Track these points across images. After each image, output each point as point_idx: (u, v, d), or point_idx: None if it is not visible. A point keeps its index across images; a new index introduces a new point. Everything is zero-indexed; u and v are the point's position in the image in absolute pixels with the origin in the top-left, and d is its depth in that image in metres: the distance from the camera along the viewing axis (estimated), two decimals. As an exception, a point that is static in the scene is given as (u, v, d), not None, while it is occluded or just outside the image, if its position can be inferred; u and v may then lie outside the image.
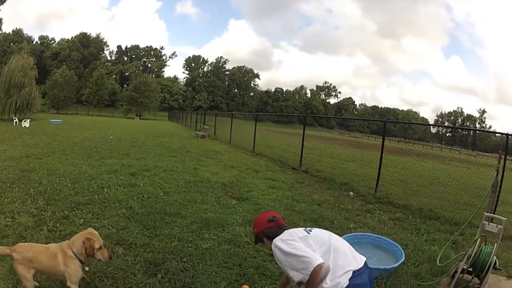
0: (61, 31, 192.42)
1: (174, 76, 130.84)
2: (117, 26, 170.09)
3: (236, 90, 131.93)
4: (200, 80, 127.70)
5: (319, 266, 2.53)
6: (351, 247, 2.87)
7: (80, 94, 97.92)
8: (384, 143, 10.60)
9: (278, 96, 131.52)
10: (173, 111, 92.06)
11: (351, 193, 10.14)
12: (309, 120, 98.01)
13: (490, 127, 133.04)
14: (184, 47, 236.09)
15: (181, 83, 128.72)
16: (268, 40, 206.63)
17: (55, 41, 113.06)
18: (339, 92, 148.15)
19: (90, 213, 6.46)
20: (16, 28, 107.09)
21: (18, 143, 16.49)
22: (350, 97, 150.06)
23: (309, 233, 2.85)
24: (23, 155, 12.56)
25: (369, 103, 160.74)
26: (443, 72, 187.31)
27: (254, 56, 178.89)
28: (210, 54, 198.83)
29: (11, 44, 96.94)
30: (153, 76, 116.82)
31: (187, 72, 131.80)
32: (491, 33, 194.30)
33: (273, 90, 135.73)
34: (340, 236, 3.39)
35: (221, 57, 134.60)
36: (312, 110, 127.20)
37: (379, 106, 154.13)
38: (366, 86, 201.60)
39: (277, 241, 2.81)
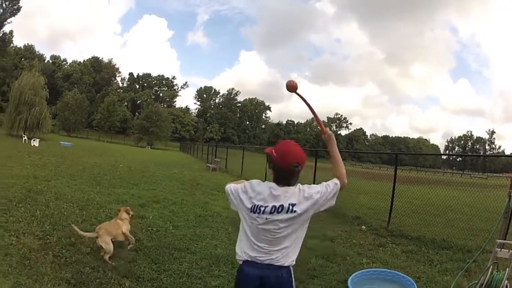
0: (73, 52, 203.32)
1: (186, 106, 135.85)
2: (129, 53, 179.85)
3: (247, 122, 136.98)
4: (212, 111, 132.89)
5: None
6: (263, 244, 2.74)
7: (91, 119, 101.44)
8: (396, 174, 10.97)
9: (289, 129, 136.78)
10: (184, 141, 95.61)
11: (363, 227, 10.37)
12: (321, 152, 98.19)
13: (499, 147, 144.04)
14: (196, 78, 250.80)
15: (193, 114, 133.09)
16: (279, 71, 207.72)
17: (66, 62, 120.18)
18: (350, 123, 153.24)
19: None
20: (28, 44, 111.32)
21: (26, 162, 16.88)
22: (361, 128, 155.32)
23: (250, 212, 2.79)
24: (31, 175, 12.83)
25: (380, 133, 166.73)
26: (451, 96, 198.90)
27: (265, 87, 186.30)
28: (221, 85, 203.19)
29: (22, 59, 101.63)
30: (165, 105, 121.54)
31: (198, 103, 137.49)
32: (495, 51, 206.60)
33: (284, 122, 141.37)
34: (353, 273, 3.76)
35: (232, 89, 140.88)
36: (323, 142, 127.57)
37: (390, 136, 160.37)
38: (376, 115, 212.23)
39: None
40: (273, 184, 2.74)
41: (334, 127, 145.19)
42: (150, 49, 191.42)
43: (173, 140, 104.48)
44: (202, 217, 9.73)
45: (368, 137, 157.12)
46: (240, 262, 2.81)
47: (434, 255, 7.71)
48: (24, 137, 33.56)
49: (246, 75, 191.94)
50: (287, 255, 2.71)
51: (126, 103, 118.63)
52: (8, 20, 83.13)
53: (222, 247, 7.18)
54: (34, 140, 30.85)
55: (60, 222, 7.45)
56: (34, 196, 9.40)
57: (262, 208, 2.69)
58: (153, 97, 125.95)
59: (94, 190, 11.92)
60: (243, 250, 2.77)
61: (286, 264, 2.70)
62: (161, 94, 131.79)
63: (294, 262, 2.77)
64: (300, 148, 2.85)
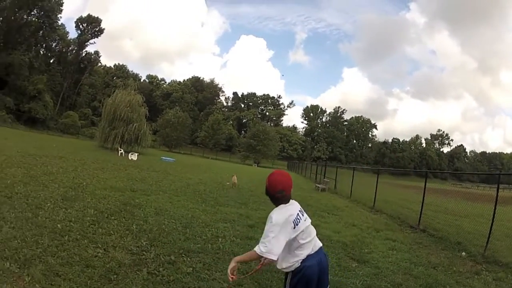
0: (169, 72, 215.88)
1: (293, 125, 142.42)
2: (230, 73, 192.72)
3: (354, 141, 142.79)
4: (319, 130, 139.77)
5: (257, 253, 3.72)
6: (313, 238, 4.00)
7: (194, 136, 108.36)
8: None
9: (395, 147, 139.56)
10: (292, 160, 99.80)
11: (463, 253, 10.45)
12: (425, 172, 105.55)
13: None
14: (301, 96, 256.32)
15: (300, 132, 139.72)
16: (381, 87, 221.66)
17: (165, 82, 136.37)
18: (451, 140, 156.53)
19: (201, 262, 6.47)
20: (118, 64, 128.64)
21: (122, 174, 17.58)
22: (461, 145, 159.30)
23: (294, 228, 3.77)
24: (127, 188, 13.22)
25: (478, 149, 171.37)
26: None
27: (370, 104, 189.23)
28: (327, 103, 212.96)
29: (114, 78, 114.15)
30: (272, 124, 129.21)
31: (305, 121, 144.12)
32: None
33: (390, 140, 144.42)
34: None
35: (338, 107, 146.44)
36: (427, 161, 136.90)
37: (487, 152, 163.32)
38: (474, 130, 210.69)
39: (273, 213, 3.85)
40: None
41: (437, 145, 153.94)
42: (252, 69, 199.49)
43: (280, 158, 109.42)
44: None
45: (468, 154, 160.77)
46: None
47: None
48: (120, 150, 35.73)
49: (350, 92, 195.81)
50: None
51: (231, 122, 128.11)
52: (91, 41, 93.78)
53: (332, 273, 6.82)
54: (132, 154, 32.55)
55: (159, 239, 7.46)
56: (131, 210, 9.52)
57: None
58: (259, 116, 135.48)
59: (199, 207, 11.98)
60: None
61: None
62: (267, 113, 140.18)
63: (283, 268, 3.89)
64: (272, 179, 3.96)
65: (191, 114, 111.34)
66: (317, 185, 29.07)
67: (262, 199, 16.45)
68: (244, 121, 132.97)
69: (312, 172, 42.49)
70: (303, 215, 3.95)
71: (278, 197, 3.88)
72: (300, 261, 3.78)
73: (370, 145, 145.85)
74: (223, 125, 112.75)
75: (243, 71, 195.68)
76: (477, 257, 9.82)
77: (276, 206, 3.91)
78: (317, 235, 9.43)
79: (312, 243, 3.94)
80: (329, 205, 17.97)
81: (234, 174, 21.88)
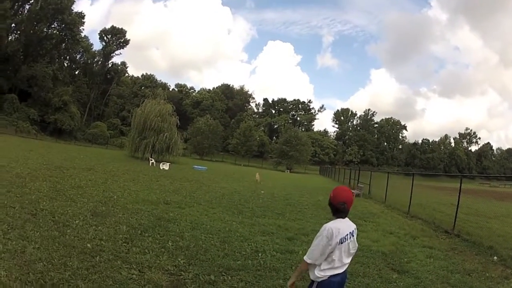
0: (198, 80, 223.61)
1: (324, 129, 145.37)
2: (259, 79, 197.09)
3: (385, 143, 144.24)
4: (350, 133, 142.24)
5: (306, 263, 4.30)
6: (347, 260, 4.33)
7: (226, 143, 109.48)
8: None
9: (425, 148, 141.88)
10: (323, 165, 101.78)
11: (495, 257, 10.68)
12: (454, 172, 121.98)
13: None
14: (331, 100, 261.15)
15: (331, 136, 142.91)
16: (409, 87, 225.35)
17: (194, 90, 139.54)
18: (479, 138, 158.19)
19: (243, 281, 6.34)
20: (146, 73, 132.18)
21: (155, 186, 17.45)
22: (488, 142, 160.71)
23: (340, 244, 4.18)
24: (160, 201, 13.01)
25: (504, 145, 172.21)
26: None
27: (398, 105, 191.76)
28: (356, 106, 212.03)
29: (142, 87, 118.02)
30: (303, 129, 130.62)
31: (336, 125, 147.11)
32: None
33: (420, 141, 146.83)
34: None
35: (368, 110, 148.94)
36: (456, 161, 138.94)
37: None
38: (500, 126, 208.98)
39: (327, 224, 4.27)
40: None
41: (465, 144, 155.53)
42: (281, 74, 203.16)
43: (312, 163, 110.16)
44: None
45: (495, 151, 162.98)
46: None
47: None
48: (151, 160, 35.95)
49: (379, 93, 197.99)
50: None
51: (262, 128, 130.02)
52: (116, 52, 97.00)
53: (373, 286, 7.26)
54: (163, 163, 32.72)
55: (197, 256, 7.28)
56: (165, 225, 9.30)
57: None
58: (290, 121, 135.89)
59: (236, 219, 11.83)
60: None
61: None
62: (298, 118, 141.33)
63: (313, 277, 4.32)
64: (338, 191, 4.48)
65: (222, 122, 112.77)
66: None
67: (298, 208, 16.89)
68: (275, 127, 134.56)
69: (346, 177, 42.81)
70: (352, 236, 4.37)
71: (339, 208, 4.31)
72: (329, 276, 4.20)
73: (400, 146, 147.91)
74: (255, 132, 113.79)
75: (272, 77, 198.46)
76: (507, 261, 10.15)
77: (335, 216, 4.35)
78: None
79: (346, 265, 4.34)
80: (365, 212, 18.10)
81: (257, 172, 21.55)
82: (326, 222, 12.08)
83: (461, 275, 8.60)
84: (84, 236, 7.34)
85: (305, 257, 4.26)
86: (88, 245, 6.79)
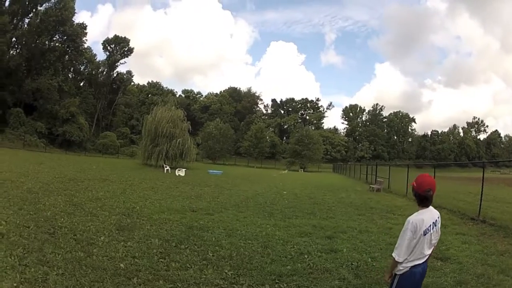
0: (204, 84, 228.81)
1: (334, 127, 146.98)
2: (265, 80, 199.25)
3: (395, 137, 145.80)
4: (360, 129, 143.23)
5: (395, 259, 4.19)
6: (428, 251, 4.28)
7: (237, 146, 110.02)
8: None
9: (434, 139, 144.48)
10: (336, 162, 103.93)
11: None
12: (464, 161, 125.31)
13: None
14: (338, 96, 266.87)
15: (341, 133, 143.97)
16: (414, 80, 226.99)
17: (201, 95, 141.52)
18: (487, 126, 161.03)
19: (300, 287, 6.24)
20: (152, 81, 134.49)
21: (175, 193, 17.04)
22: (496, 130, 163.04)
23: (423, 236, 4.14)
24: (186, 209, 12.51)
25: (511, 132, 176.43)
26: None
27: (405, 98, 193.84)
28: (364, 101, 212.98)
29: (149, 95, 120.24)
30: (313, 127, 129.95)
31: (346, 122, 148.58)
32: None
33: (429, 133, 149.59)
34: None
35: (376, 104, 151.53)
36: (466, 150, 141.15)
37: None
38: (506, 113, 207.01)
39: (410, 217, 4.22)
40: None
41: (474, 132, 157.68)
42: (287, 74, 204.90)
43: (325, 161, 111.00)
44: (393, 245, 8.93)
45: (503, 138, 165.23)
46: None
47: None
48: (166, 167, 35.87)
49: (385, 87, 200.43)
50: None
51: (272, 129, 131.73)
52: (121, 61, 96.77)
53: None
54: (179, 170, 32.61)
55: (243, 265, 6.96)
56: (199, 234, 8.76)
57: None
58: (299, 120, 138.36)
59: (269, 222, 11.46)
60: None
61: None
62: (307, 117, 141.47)
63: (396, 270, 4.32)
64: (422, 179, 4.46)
65: (231, 125, 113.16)
66: (371, 186, 29.76)
67: (325, 206, 16.76)
68: (285, 127, 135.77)
69: (362, 172, 43.64)
70: (435, 226, 4.25)
71: (427, 195, 4.23)
72: (410, 266, 4.16)
73: (410, 139, 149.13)
74: (266, 133, 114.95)
75: (277, 78, 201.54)
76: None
77: (420, 206, 4.28)
78: (395, 239, 10.34)
79: (427, 256, 4.27)
80: (391, 206, 18.29)
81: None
82: (358, 219, 14.12)
83: (496, 256, 9.09)
84: (113, 254, 6.58)
85: (394, 255, 4.20)
86: (121, 265, 6.06)
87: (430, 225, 4.19)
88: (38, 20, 67.11)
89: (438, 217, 4.33)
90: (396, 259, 4.13)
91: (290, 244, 8.76)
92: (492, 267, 7.98)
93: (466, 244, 10.35)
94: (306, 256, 7.84)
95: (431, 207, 4.29)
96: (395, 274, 4.26)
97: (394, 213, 15.64)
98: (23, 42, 68.12)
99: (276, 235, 9.60)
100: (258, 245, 8.43)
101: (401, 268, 4.16)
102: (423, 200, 4.24)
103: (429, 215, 4.24)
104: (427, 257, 4.29)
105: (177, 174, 30.33)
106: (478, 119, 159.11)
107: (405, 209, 16.95)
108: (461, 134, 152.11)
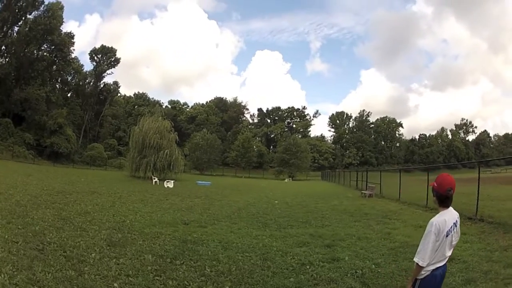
0: (190, 95, 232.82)
1: (321, 134, 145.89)
2: (251, 89, 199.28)
3: (383, 143, 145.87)
4: (347, 136, 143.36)
5: (418, 265, 4.09)
6: (448, 252, 4.26)
7: (224, 156, 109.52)
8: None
9: (423, 143, 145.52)
10: (324, 170, 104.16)
11: None
12: (453, 162, 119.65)
13: None
14: (324, 104, 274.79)
15: (329, 141, 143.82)
16: (401, 85, 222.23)
17: (188, 106, 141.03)
18: (475, 127, 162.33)
19: None
20: (138, 92, 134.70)
21: (165, 205, 16.83)
22: (485, 130, 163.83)
23: (445, 237, 4.11)
24: (178, 221, 12.28)
25: (500, 132, 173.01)
26: None
27: (392, 104, 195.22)
28: (350, 108, 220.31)
29: (135, 106, 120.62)
30: (300, 136, 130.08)
31: (333, 129, 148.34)
32: None
33: (417, 137, 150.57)
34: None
35: (363, 110, 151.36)
36: (455, 152, 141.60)
37: (509, 133, 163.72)
38: (495, 113, 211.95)
39: (433, 219, 4.16)
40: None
41: (462, 134, 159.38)
42: (272, 83, 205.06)
43: (313, 169, 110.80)
44: (394, 250, 9.91)
45: (492, 138, 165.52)
46: None
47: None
48: (154, 179, 35.76)
49: (371, 94, 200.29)
50: None
51: (259, 138, 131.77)
52: (108, 71, 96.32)
53: None
54: (167, 181, 32.45)
55: (244, 280, 6.82)
56: (194, 248, 8.56)
57: None
58: (286, 129, 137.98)
59: (264, 233, 11.40)
60: None
61: None
62: (294, 126, 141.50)
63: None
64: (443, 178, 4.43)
65: (218, 135, 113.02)
66: (363, 192, 29.92)
67: (319, 214, 16.80)
68: (272, 136, 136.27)
69: (352, 179, 43.69)
70: (455, 227, 4.24)
71: (448, 195, 4.20)
72: (432, 270, 4.11)
73: (398, 144, 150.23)
74: (253, 142, 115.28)
75: (263, 87, 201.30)
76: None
77: (440, 207, 4.26)
78: (395, 243, 10.75)
79: (447, 257, 4.24)
80: (385, 210, 18.43)
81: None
82: (354, 225, 14.24)
83: (500, 252, 9.32)
84: (106, 273, 6.25)
85: (416, 260, 4.09)
86: (115, 284, 5.77)
87: (452, 226, 4.19)
88: (27, 29, 66.58)
89: (458, 217, 4.31)
90: (420, 264, 4.04)
91: (290, 255, 8.64)
92: (498, 263, 8.20)
93: (467, 243, 10.43)
94: (308, 267, 7.75)
95: (451, 208, 4.27)
96: (416, 279, 4.18)
97: (390, 218, 15.79)
98: (13, 51, 67.15)
99: (274, 246, 9.49)
100: (257, 257, 8.28)
101: (422, 273, 4.10)
102: (445, 200, 4.23)
103: (450, 216, 4.23)
104: (447, 258, 4.28)
105: (165, 186, 30.10)
106: (467, 120, 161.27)
107: (400, 213, 17.15)
108: (449, 136, 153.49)
